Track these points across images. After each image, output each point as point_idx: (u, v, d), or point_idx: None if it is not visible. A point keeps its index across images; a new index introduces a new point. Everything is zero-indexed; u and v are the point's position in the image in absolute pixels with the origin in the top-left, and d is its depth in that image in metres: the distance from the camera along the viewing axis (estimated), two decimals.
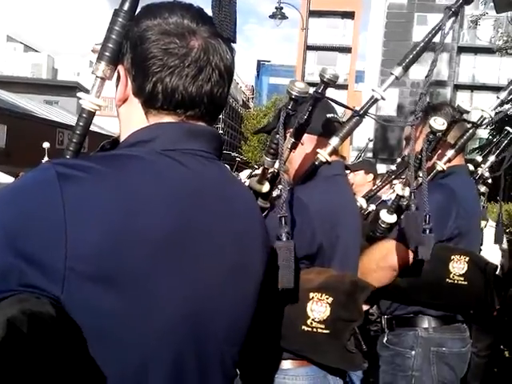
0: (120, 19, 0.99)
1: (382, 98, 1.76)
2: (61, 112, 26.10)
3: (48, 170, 0.83)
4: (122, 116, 1.01)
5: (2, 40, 58.85)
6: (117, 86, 1.00)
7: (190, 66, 0.92)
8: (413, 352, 2.15)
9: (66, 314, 0.79)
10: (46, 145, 6.03)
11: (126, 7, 0.99)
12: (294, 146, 1.62)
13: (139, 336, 0.85)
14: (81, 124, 1.04)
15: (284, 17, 15.90)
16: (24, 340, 0.73)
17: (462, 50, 28.88)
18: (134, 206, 0.84)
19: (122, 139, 1.00)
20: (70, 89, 37.80)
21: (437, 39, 1.80)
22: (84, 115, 1.04)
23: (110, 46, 0.99)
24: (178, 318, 0.88)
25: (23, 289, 0.78)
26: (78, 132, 1.04)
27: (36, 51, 65.07)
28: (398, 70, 1.79)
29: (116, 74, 1.01)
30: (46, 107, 25.99)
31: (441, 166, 2.20)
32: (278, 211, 1.26)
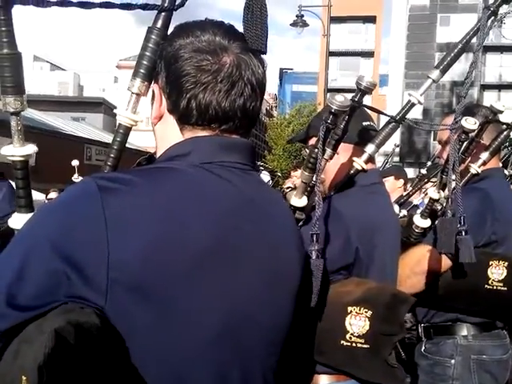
0: (153, 36, 1.01)
1: (420, 103, 1.72)
2: (88, 128, 26.50)
3: (89, 184, 0.85)
4: (158, 133, 1.03)
5: (29, 60, 60.15)
6: (152, 105, 1.02)
7: (223, 82, 0.94)
8: (452, 361, 2.11)
9: (110, 324, 0.81)
10: (74, 162, 6.17)
11: (158, 24, 1.01)
12: (330, 157, 1.60)
13: (179, 347, 0.86)
14: (118, 139, 1.06)
15: (305, 24, 15.91)
16: (71, 350, 0.75)
17: (488, 49, 28.49)
18: (172, 219, 0.86)
19: (158, 155, 1.01)
20: (96, 105, 38.49)
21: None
22: (121, 131, 1.06)
23: (145, 62, 1.01)
24: (217, 331, 0.89)
25: (69, 299, 0.80)
26: (115, 147, 1.06)
27: (62, 69, 66.36)
28: (435, 74, 1.74)
29: (151, 93, 1.03)
30: (74, 124, 26.42)
31: (475, 169, 2.15)
32: (311, 228, 1.25)
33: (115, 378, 0.80)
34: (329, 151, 1.55)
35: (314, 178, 1.35)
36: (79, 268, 0.80)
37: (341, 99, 1.28)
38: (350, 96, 1.50)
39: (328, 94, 1.31)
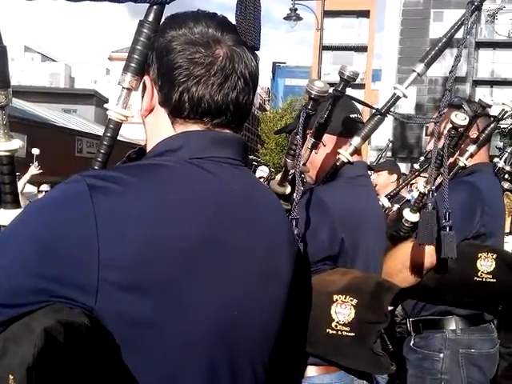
0: (145, 30, 0.99)
1: (405, 96, 1.73)
2: (79, 120, 26.30)
3: (79, 183, 0.84)
4: (148, 125, 1.02)
5: (20, 50, 59.67)
6: (143, 97, 1.00)
7: (216, 75, 0.92)
8: (441, 354, 2.13)
9: (99, 324, 0.80)
10: (35, 151, 6.30)
11: (150, 18, 1.00)
12: (314, 147, 1.61)
13: (172, 344, 0.85)
14: (108, 135, 1.05)
15: (299, 18, 15.85)
16: (61, 349, 0.74)
17: (480, 45, 28.56)
18: (163, 216, 0.85)
19: (148, 149, 1.01)
20: (88, 97, 38.21)
21: (458, 35, 1.77)
22: (111, 126, 1.05)
23: (136, 56, 0.99)
24: (210, 325, 0.89)
25: (55, 299, 0.80)
26: (105, 143, 1.04)
27: (53, 60, 65.86)
28: (419, 67, 1.76)
29: (142, 85, 1.02)
30: (65, 116, 26.22)
31: (463, 161, 2.17)
32: (291, 213, 1.27)
33: (107, 377, 0.79)
34: (312, 141, 1.56)
35: (295, 164, 1.36)
36: (67, 268, 0.80)
37: (320, 85, 1.28)
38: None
39: (308, 81, 1.32)
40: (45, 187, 7.62)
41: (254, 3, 0.97)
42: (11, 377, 0.72)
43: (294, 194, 1.27)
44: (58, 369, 0.74)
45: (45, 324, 0.75)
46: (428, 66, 1.75)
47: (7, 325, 0.79)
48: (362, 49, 36.39)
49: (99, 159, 1.04)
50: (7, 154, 1.02)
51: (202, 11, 0.99)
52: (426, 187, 1.90)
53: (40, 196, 7.37)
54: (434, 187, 1.72)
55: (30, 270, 0.80)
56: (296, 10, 15.88)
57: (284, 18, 15.94)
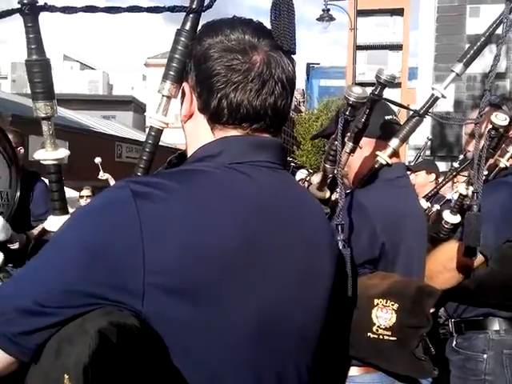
0: (182, 38, 1.02)
1: (443, 96, 1.72)
2: (118, 126, 26.72)
3: (123, 189, 0.86)
4: (188, 131, 1.03)
5: (59, 59, 61.08)
6: (182, 103, 1.02)
7: (254, 81, 0.93)
8: (484, 355, 2.10)
9: (148, 326, 0.82)
10: (97, 160, 6.42)
11: (187, 27, 1.02)
12: (352, 150, 1.61)
13: (215, 347, 0.86)
14: (150, 142, 1.07)
15: (331, 18, 15.78)
16: (114, 349, 0.76)
17: None
18: (204, 221, 0.86)
19: (188, 154, 1.02)
20: (126, 103, 38.85)
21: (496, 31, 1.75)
22: (152, 133, 1.07)
23: (174, 65, 1.02)
24: (252, 330, 0.89)
25: (105, 302, 0.82)
26: (147, 150, 1.07)
27: (92, 68, 67.24)
28: (458, 67, 1.74)
29: (181, 91, 1.03)
30: (104, 122, 26.67)
31: (504, 162, 2.14)
32: (335, 219, 1.27)
33: (155, 379, 0.81)
34: (350, 145, 1.56)
35: (336, 171, 1.37)
36: (115, 273, 0.82)
37: (358, 91, 1.28)
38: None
39: (346, 86, 1.32)
40: (86, 192, 7.77)
41: (288, 7, 0.98)
42: (66, 376, 0.74)
43: (337, 197, 1.27)
44: (112, 368, 0.76)
45: (98, 325, 0.77)
46: (467, 65, 1.73)
47: (62, 325, 0.82)
48: (396, 47, 35.92)
49: (142, 166, 1.06)
50: (54, 162, 1.05)
51: (237, 18, 1.00)
52: (467, 189, 1.88)
53: (82, 201, 7.55)
54: (477, 189, 1.70)
55: (80, 276, 0.82)
56: (329, 10, 15.81)
57: (317, 19, 15.89)
